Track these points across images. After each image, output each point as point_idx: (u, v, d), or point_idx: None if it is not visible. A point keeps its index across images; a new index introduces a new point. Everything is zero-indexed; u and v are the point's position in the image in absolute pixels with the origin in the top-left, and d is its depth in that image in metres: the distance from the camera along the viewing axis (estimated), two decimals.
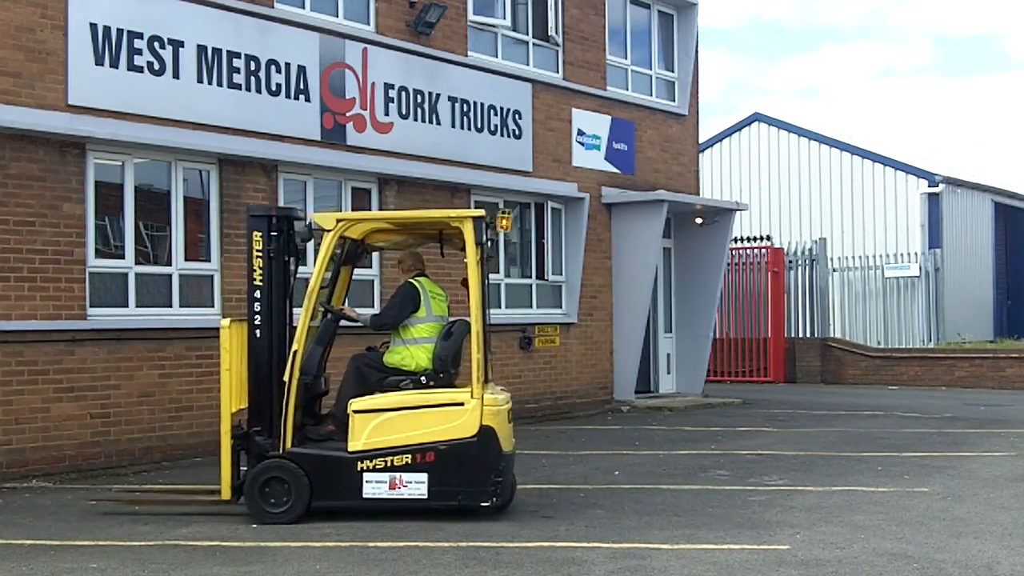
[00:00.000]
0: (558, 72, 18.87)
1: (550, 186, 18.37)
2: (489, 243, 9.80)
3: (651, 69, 21.13)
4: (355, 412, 9.50)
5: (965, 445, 14.45)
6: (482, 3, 17.49)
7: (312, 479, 9.40)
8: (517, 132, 17.84)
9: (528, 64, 18.36)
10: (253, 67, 14.04)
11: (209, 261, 13.75)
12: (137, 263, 13.09)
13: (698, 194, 22.43)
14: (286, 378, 9.55)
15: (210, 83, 13.58)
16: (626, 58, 20.48)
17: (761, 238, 26.71)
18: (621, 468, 12.47)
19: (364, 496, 9.38)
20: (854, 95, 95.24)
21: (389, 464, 9.37)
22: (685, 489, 10.47)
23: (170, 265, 13.40)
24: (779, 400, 21.35)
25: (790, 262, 27.56)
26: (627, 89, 20.42)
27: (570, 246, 18.89)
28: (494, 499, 9.42)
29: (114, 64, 12.64)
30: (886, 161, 31.30)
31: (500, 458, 9.45)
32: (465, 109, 16.90)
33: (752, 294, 25.94)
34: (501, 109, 17.53)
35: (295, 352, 9.56)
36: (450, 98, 16.67)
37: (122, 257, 12.94)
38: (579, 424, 17.32)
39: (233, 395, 9.66)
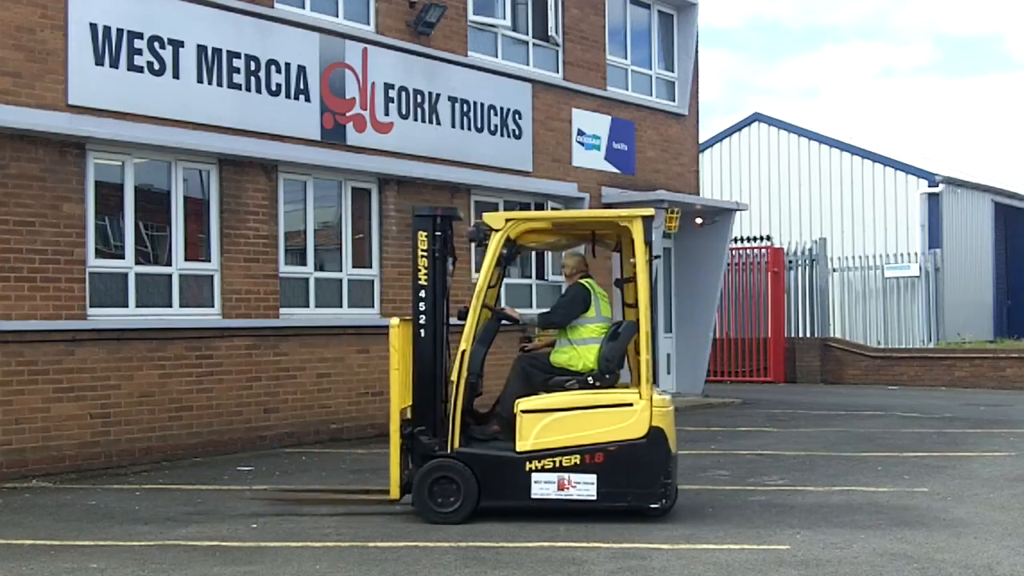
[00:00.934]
0: (558, 72, 18.87)
1: (550, 186, 18.36)
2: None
3: (651, 69, 21.13)
4: (523, 412, 9.43)
5: (965, 445, 14.45)
6: (482, 3, 17.49)
7: (480, 479, 9.34)
8: (517, 132, 17.84)
9: (528, 64, 18.35)
10: (253, 67, 14.05)
11: (209, 261, 13.75)
12: (137, 263, 13.09)
13: (698, 194, 22.42)
14: (454, 377, 9.55)
15: (210, 83, 13.58)
16: (626, 58, 20.48)
17: (761, 238, 26.70)
18: None
19: (532, 496, 9.32)
20: (854, 95, 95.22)
21: (558, 464, 9.29)
22: (685, 489, 10.46)
23: (170, 265, 13.40)
24: (779, 400, 21.35)
25: (790, 262, 27.56)
26: (627, 89, 20.42)
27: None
28: (663, 500, 9.35)
29: (114, 64, 12.64)
30: (886, 161, 31.28)
31: (669, 459, 9.38)
32: (465, 109, 16.90)
33: (752, 294, 25.93)
34: (501, 109, 17.53)
35: (463, 351, 9.54)
36: (450, 98, 16.66)
37: (122, 257, 12.95)
38: None
39: (397, 394, 9.65)
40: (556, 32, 18.69)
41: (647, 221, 9.48)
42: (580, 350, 9.80)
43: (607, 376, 9.67)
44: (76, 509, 10.16)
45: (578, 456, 9.25)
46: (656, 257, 9.70)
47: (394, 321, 9.72)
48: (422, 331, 9.59)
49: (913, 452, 13.77)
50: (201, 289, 13.75)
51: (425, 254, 9.60)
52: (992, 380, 23.79)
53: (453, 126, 16.71)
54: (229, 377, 13.73)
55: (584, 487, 9.25)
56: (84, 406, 12.30)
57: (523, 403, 9.48)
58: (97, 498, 10.70)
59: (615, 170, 19.85)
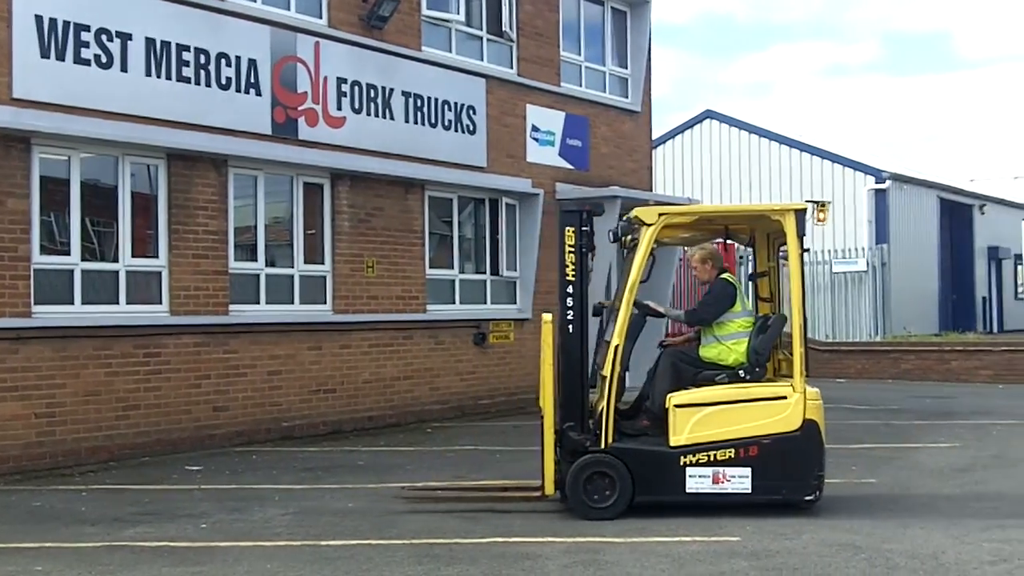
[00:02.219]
0: (512, 68, 18.85)
1: (504, 182, 18.34)
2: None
3: (605, 65, 21.16)
4: (676, 407, 9.41)
5: (912, 437, 14.61)
6: None
7: (635, 474, 9.32)
8: (471, 127, 17.80)
9: (482, 59, 18.32)
10: (203, 60, 13.90)
11: (157, 257, 13.58)
12: (83, 260, 12.90)
13: (651, 190, 22.49)
14: (606, 372, 9.52)
15: (159, 76, 13.42)
16: (580, 54, 20.49)
17: None
18: None
19: (687, 491, 9.30)
20: (804, 92, 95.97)
21: (712, 458, 9.28)
22: None
23: (117, 262, 13.22)
24: None
25: (741, 258, 27.70)
26: (581, 85, 20.44)
27: (524, 242, 18.88)
28: (817, 492, 9.37)
29: (60, 57, 12.46)
30: (834, 158, 31.58)
31: (822, 452, 9.41)
32: (419, 104, 16.84)
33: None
34: (455, 104, 17.48)
35: (616, 347, 9.53)
36: (403, 93, 16.59)
37: (68, 254, 12.76)
38: (533, 419, 17.09)
39: (549, 391, 9.58)
40: (510, 28, 18.66)
41: (800, 215, 9.57)
42: (729, 345, 9.83)
43: (757, 370, 9.70)
44: (21, 511, 10.01)
45: (733, 450, 9.27)
46: (806, 250, 9.73)
47: (547, 316, 9.69)
48: (570, 327, 9.62)
49: (861, 444, 13.89)
50: (149, 286, 13.57)
51: (572, 250, 9.61)
52: (938, 373, 24.03)
53: (407, 121, 16.64)
54: (177, 375, 13.58)
55: (739, 481, 9.27)
56: (29, 406, 12.10)
57: (676, 398, 9.47)
58: (42, 499, 10.55)
59: (569, 166, 19.86)
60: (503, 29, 18.52)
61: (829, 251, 29.51)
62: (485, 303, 18.33)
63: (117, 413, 12.92)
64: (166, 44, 13.48)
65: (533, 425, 16.34)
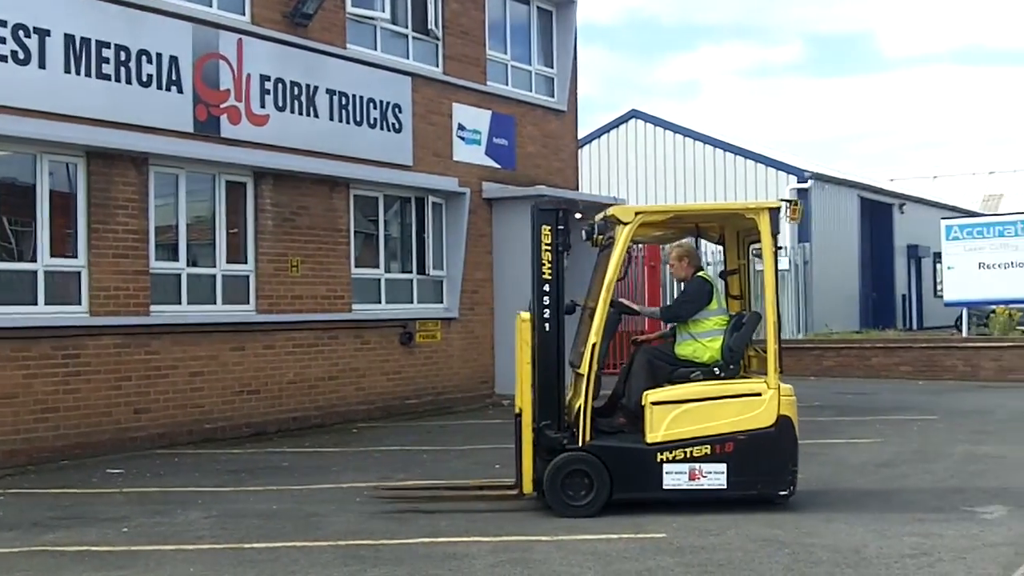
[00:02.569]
0: (438, 66, 18.80)
1: (431, 180, 18.29)
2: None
3: (531, 65, 21.19)
4: (653, 404, 9.45)
5: (834, 433, 14.78)
6: None
7: (612, 472, 9.35)
8: (397, 126, 17.72)
9: (408, 58, 18.25)
10: (123, 57, 13.68)
11: (76, 257, 13.34)
12: (1, 260, 12.66)
13: (578, 189, 22.58)
14: (583, 371, 9.52)
15: (78, 74, 13.18)
16: (506, 53, 20.50)
17: None
18: (503, 461, 12.45)
19: (664, 487, 9.36)
20: (730, 92, 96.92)
21: (688, 455, 9.35)
22: None
23: (35, 261, 12.96)
24: None
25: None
26: (507, 84, 20.45)
27: (451, 240, 18.84)
28: (791, 487, 9.48)
29: None
30: (757, 158, 31.93)
31: (796, 447, 9.51)
32: (344, 102, 16.73)
33: (630, 288, 26.17)
34: (381, 102, 17.39)
35: (594, 345, 9.53)
36: (328, 91, 16.47)
37: None
38: (460, 419, 17.30)
39: (528, 390, 9.56)
40: (436, 26, 18.61)
41: (774, 213, 9.65)
42: (704, 342, 9.91)
43: (732, 367, 9.80)
44: None
45: (708, 446, 9.35)
46: (780, 248, 9.85)
47: (525, 315, 9.69)
48: (547, 325, 9.60)
49: None
50: (68, 286, 13.32)
51: (549, 248, 9.63)
52: (859, 369, 24.38)
53: (331, 119, 16.53)
54: (97, 377, 13.35)
55: (715, 477, 9.36)
56: None
57: (652, 395, 9.51)
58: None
59: (496, 165, 19.86)
60: (429, 27, 18.47)
61: (752, 249, 29.78)
62: (412, 302, 18.26)
63: (36, 416, 12.67)
64: (85, 41, 13.25)
65: (460, 425, 16.43)
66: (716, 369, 9.79)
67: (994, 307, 25.75)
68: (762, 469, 9.43)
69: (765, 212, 9.68)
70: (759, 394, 9.49)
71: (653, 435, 9.41)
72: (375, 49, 17.63)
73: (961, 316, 26.88)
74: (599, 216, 10.32)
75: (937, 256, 30.87)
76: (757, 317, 10.08)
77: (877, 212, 36.40)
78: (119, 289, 13.61)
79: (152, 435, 13.90)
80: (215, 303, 15.04)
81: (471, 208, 18.95)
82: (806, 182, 30.82)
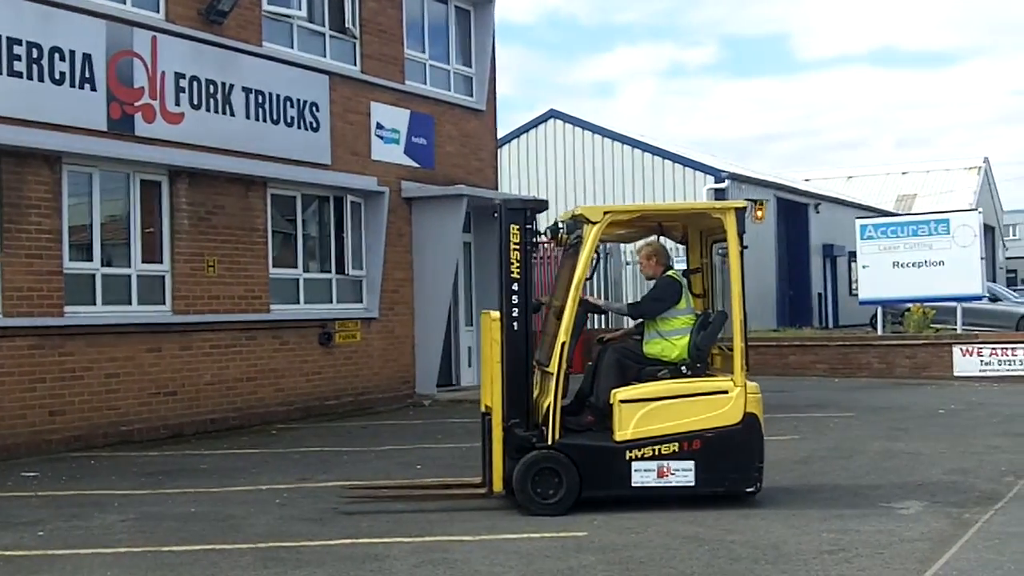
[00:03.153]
0: (356, 65, 18.71)
1: (349, 179, 18.20)
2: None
3: (449, 64, 21.17)
4: (621, 402, 9.45)
5: None
6: None
7: (581, 470, 9.35)
8: (315, 125, 17.61)
9: (325, 56, 18.14)
10: (35, 55, 13.44)
11: None
12: None
13: (497, 189, 22.61)
14: (552, 369, 9.46)
15: None
16: (424, 52, 20.45)
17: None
18: (423, 462, 12.46)
19: (633, 485, 9.37)
20: (647, 93, 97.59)
21: (657, 452, 9.37)
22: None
23: None
24: (575, 391, 21.61)
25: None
26: (426, 83, 20.41)
27: (371, 240, 18.76)
28: (757, 484, 9.53)
29: None
30: (675, 158, 32.23)
31: (762, 444, 9.56)
32: (260, 100, 16.58)
33: (549, 287, 26.24)
34: (298, 101, 17.26)
35: (563, 343, 9.48)
36: (244, 89, 16.31)
37: None
38: (381, 419, 17.23)
39: (495, 389, 9.59)
40: (353, 24, 18.52)
41: (740, 213, 9.65)
42: (672, 340, 9.92)
43: (699, 365, 9.81)
44: None
45: (676, 444, 9.38)
46: (745, 247, 9.78)
47: (494, 314, 9.73)
48: (515, 324, 9.60)
49: None
50: None
51: (518, 247, 9.62)
52: (776, 367, 24.61)
53: (248, 117, 16.37)
54: (10, 379, 13.10)
55: (683, 474, 9.39)
56: None
57: (620, 393, 9.52)
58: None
59: (415, 164, 19.81)
60: (346, 26, 18.38)
61: (670, 249, 30.06)
62: (331, 302, 18.15)
63: None
64: None
65: (380, 425, 16.37)
66: (684, 367, 9.82)
67: (908, 305, 26.20)
68: (730, 466, 9.50)
69: (731, 212, 9.73)
70: (726, 392, 9.57)
71: (622, 433, 9.44)
72: (292, 47, 17.50)
73: (876, 314, 27.31)
74: (566, 215, 10.37)
75: (852, 255, 31.32)
76: (723, 316, 10.12)
77: (793, 212, 36.89)
78: (32, 290, 13.37)
79: (67, 437, 13.67)
80: (130, 304, 14.83)
81: (390, 207, 18.89)
82: (723, 182, 31.17)
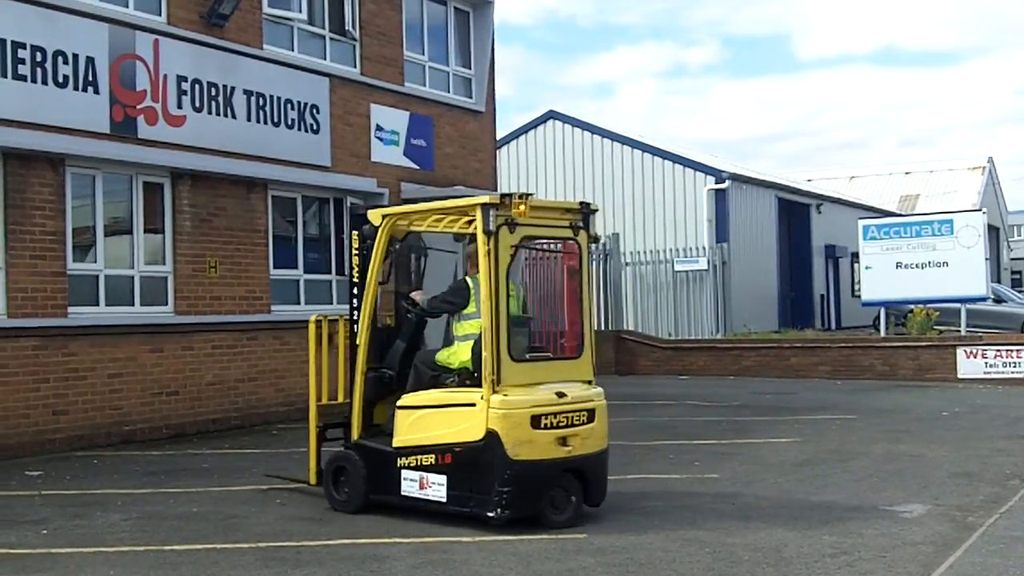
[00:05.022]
0: (355, 67, 18.76)
1: (349, 181, 18.25)
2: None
3: (448, 65, 21.22)
4: (399, 408, 9.35)
5: (753, 432, 14.97)
6: None
7: (368, 471, 9.42)
8: (315, 127, 17.66)
9: (325, 58, 18.19)
10: (39, 58, 13.51)
11: None
12: None
13: (496, 190, 22.62)
14: (359, 370, 9.66)
15: None
16: (423, 54, 20.50)
17: None
18: None
19: (402, 493, 9.19)
20: (647, 93, 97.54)
21: (419, 462, 9.08)
22: None
23: None
24: None
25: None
26: (425, 85, 20.45)
27: None
28: (499, 510, 8.61)
29: None
30: (675, 158, 32.22)
31: (507, 466, 8.57)
32: (261, 103, 16.64)
33: (549, 288, 26.29)
34: (298, 103, 17.32)
35: (359, 345, 9.65)
36: (245, 91, 16.37)
37: None
38: None
39: (312, 389, 10.10)
40: (353, 27, 18.58)
41: (485, 209, 8.80)
42: (460, 347, 9.42)
43: (476, 373, 9.03)
44: None
45: (433, 456, 8.99)
46: (509, 245, 9.04)
47: (313, 318, 10.06)
48: (355, 327, 9.73)
49: (703, 439, 14.21)
50: None
51: (357, 252, 9.71)
52: (777, 369, 24.62)
53: (249, 120, 16.43)
54: (15, 379, 13.17)
55: (437, 488, 8.95)
56: None
57: (403, 399, 9.43)
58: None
59: (414, 166, 19.86)
60: (346, 28, 18.44)
61: (671, 250, 30.13)
62: (331, 303, 18.19)
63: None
64: (0, 41, 13.07)
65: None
66: (466, 376, 9.20)
67: (911, 307, 26.12)
68: (473, 485, 8.76)
69: (478, 208, 8.86)
70: (473, 405, 8.80)
71: (397, 439, 9.27)
72: (292, 50, 17.56)
73: (879, 316, 27.25)
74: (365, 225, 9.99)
75: (855, 256, 31.34)
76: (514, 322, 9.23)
77: (795, 212, 36.86)
78: (36, 291, 13.44)
79: (71, 437, 13.73)
80: (133, 304, 14.90)
81: None
82: (724, 182, 31.17)
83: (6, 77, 13.15)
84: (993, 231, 47.07)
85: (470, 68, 21.77)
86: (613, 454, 12.95)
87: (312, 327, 9.94)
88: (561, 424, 8.87)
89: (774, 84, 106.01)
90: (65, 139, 13.80)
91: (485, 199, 8.95)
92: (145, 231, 15.13)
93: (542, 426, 8.75)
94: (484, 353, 8.77)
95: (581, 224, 9.38)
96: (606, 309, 28.05)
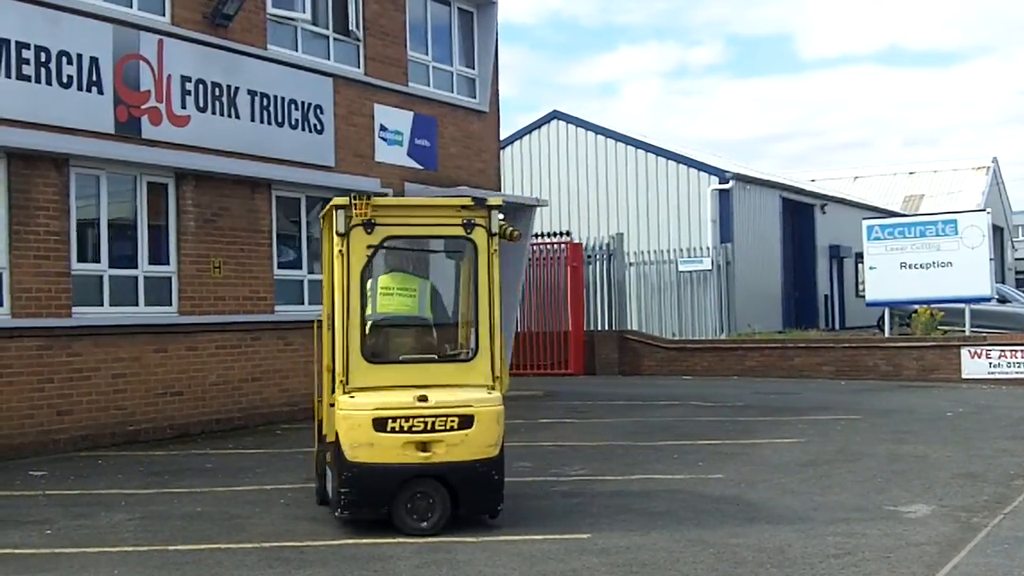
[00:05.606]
0: (359, 67, 18.77)
1: (353, 181, 18.23)
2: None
3: (452, 66, 21.22)
4: (329, 405, 9.40)
5: (756, 432, 14.96)
6: None
7: (323, 469, 9.64)
8: (319, 127, 17.67)
9: (329, 59, 18.20)
10: (43, 58, 13.53)
11: None
12: None
13: (500, 190, 22.64)
14: (332, 369, 9.52)
15: None
16: (427, 54, 20.51)
17: (561, 234, 27.06)
18: None
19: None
20: (651, 93, 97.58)
21: (324, 459, 9.55)
22: None
23: None
24: (579, 392, 21.72)
25: (589, 257, 28.10)
26: (429, 85, 20.46)
27: None
28: (339, 510, 8.70)
29: None
30: (679, 158, 32.19)
31: (344, 467, 8.58)
32: (265, 103, 16.65)
33: (552, 288, 26.34)
34: (302, 103, 17.33)
35: (324, 344, 9.63)
36: (249, 91, 16.39)
37: None
38: None
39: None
40: (357, 27, 18.59)
41: (336, 211, 8.74)
42: None
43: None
44: None
45: (327, 452, 9.41)
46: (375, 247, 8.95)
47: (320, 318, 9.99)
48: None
49: (707, 440, 14.20)
50: None
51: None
52: (781, 369, 24.62)
53: (253, 120, 16.44)
54: (20, 379, 13.19)
55: (328, 484, 9.44)
56: None
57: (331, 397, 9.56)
58: None
59: (418, 166, 19.87)
60: (350, 28, 18.45)
61: (675, 250, 30.12)
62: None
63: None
64: (4, 41, 13.10)
65: None
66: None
67: (916, 307, 26.09)
68: (332, 484, 9.15)
69: (331, 210, 8.83)
70: (333, 405, 9.12)
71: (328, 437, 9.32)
72: (296, 50, 17.57)
73: (883, 316, 27.25)
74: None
75: (859, 256, 31.29)
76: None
77: (799, 212, 36.82)
78: (41, 291, 13.46)
79: (75, 437, 13.75)
80: (137, 304, 14.91)
81: None
82: (728, 183, 31.15)
83: (10, 77, 13.17)
84: (997, 231, 46.98)
85: (474, 68, 21.78)
86: (617, 454, 13.01)
87: (316, 328, 9.91)
88: (416, 428, 8.59)
89: (778, 84, 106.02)
90: (69, 139, 13.82)
91: (339, 201, 8.83)
92: (149, 231, 15.12)
93: (389, 429, 8.55)
94: (336, 354, 8.82)
95: (477, 222, 9.03)
96: (610, 309, 28.06)
